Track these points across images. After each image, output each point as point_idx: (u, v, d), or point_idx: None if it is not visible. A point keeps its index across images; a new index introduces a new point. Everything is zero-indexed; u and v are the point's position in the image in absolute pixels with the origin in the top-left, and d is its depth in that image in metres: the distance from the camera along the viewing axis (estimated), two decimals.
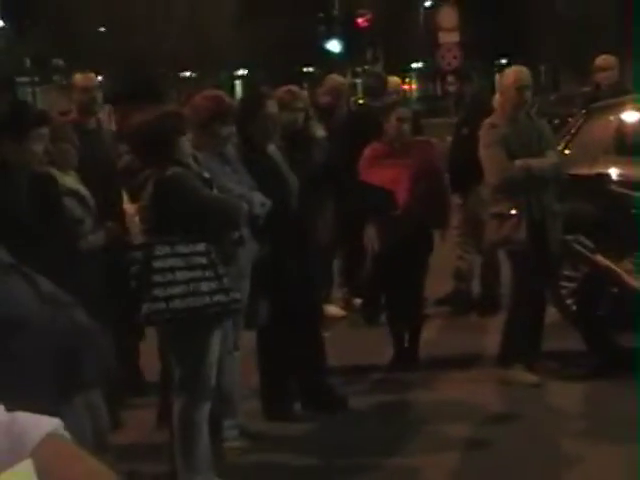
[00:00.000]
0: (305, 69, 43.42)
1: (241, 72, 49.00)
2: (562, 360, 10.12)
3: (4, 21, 48.88)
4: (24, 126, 6.12)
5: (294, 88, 10.36)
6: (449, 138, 13.53)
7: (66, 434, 2.26)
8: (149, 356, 8.87)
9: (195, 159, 7.65)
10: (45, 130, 6.35)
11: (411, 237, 10.25)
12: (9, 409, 2.24)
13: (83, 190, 7.21)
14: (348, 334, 11.12)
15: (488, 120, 10.02)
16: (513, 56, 38.75)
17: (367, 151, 10.40)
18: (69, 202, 6.84)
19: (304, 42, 47.76)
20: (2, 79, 38.03)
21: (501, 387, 9.77)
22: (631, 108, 12.31)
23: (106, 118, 10.32)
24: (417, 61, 48.92)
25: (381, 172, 10.19)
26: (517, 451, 8.30)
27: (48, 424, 2.23)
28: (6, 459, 2.07)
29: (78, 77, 10.31)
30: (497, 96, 10.61)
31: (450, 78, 38.96)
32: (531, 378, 9.73)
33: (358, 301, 12.20)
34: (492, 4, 46.80)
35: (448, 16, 37.40)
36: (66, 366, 3.79)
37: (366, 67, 34.38)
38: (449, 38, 35.99)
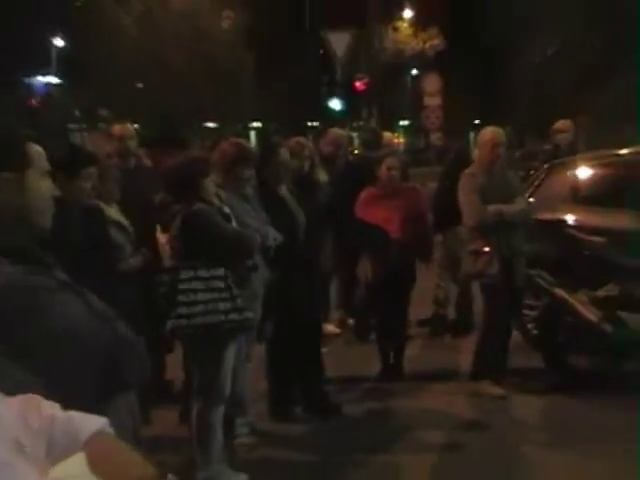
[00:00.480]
0: (310, 124, 43.52)
1: (255, 124, 49.10)
2: (524, 376, 10.10)
3: (59, 78, 49.06)
4: (76, 166, 6.12)
5: (302, 139, 10.38)
6: (430, 184, 13.49)
7: (111, 431, 2.26)
8: (177, 366, 8.87)
9: (219, 197, 7.65)
10: (93, 169, 6.37)
11: (398, 269, 10.26)
12: (65, 408, 2.23)
13: (124, 221, 7.23)
14: (342, 349, 11.13)
15: (467, 171, 10.04)
16: (483, 118, 38.80)
17: (363, 194, 10.41)
18: (112, 231, 6.86)
19: (310, 101, 47.96)
20: (57, 126, 38.15)
21: (472, 398, 9.75)
22: (585, 165, 12.36)
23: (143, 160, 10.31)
24: (405, 119, 49.07)
25: (375, 212, 10.23)
26: (485, 453, 8.30)
27: (97, 423, 2.23)
28: (63, 451, 2.07)
29: (116, 127, 10.37)
30: (476, 151, 10.60)
31: (436, 135, 39.22)
32: (498, 391, 9.72)
33: (351, 321, 12.20)
34: (470, 73, 46.96)
35: (432, 82, 37.53)
36: (110, 372, 3.78)
37: (362, 123, 34.34)
38: (432, 101, 36.10)
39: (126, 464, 2.13)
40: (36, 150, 3.95)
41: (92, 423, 2.21)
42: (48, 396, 2.24)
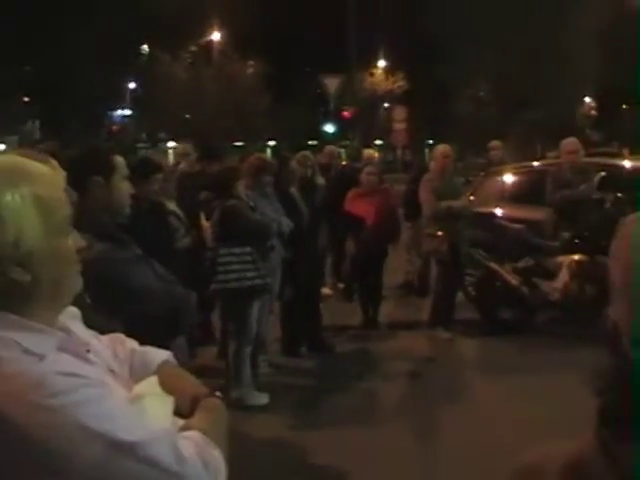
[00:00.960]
0: (310, 142, 43.46)
1: (271, 143, 48.92)
2: (465, 325, 10.09)
3: (131, 110, 49.16)
4: (148, 173, 6.14)
5: (306, 153, 10.38)
6: (397, 187, 13.42)
7: (174, 361, 2.28)
8: (214, 316, 8.92)
9: (247, 195, 7.69)
10: (160, 175, 6.38)
11: (374, 248, 10.28)
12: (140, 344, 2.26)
13: (179, 211, 7.24)
14: (334, 306, 11.09)
15: (426, 177, 10.06)
16: (436, 138, 38.65)
17: (350, 193, 10.41)
18: (171, 219, 6.86)
19: (311, 125, 47.92)
20: (130, 145, 38.36)
21: (429, 340, 9.77)
22: (510, 173, 12.41)
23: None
24: (379, 139, 48.91)
25: (359, 205, 10.24)
26: (438, 379, 8.39)
27: (165, 354, 2.25)
28: (140, 375, 2.09)
29: (180, 147, 10.41)
30: (431, 162, 10.62)
31: (403, 151, 39.31)
32: (447, 335, 9.76)
33: (341, 286, 12.19)
34: (426, 105, 46.83)
35: (399, 112, 37.31)
36: (172, 320, 3.83)
37: (348, 142, 34.27)
38: (399, 126, 35.88)
39: (187, 384, 2.16)
40: (119, 160, 3.99)
41: (161, 354, 2.23)
42: (128, 336, 2.27)
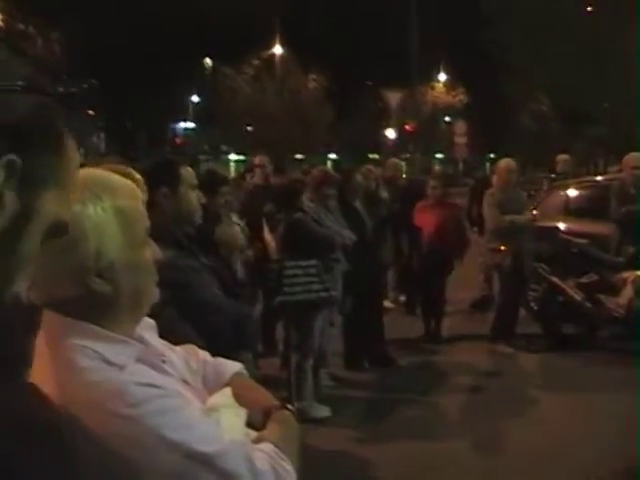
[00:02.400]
0: (371, 155, 43.46)
1: (332, 156, 49.08)
2: (528, 340, 9.97)
3: (194, 123, 49.81)
4: (216, 186, 6.17)
5: (371, 167, 10.40)
6: (458, 199, 13.27)
7: (246, 373, 2.28)
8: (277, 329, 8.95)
9: (311, 208, 7.70)
10: (227, 188, 6.42)
11: (437, 261, 10.24)
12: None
13: (242, 223, 7.26)
14: (397, 319, 11.05)
15: (489, 191, 10.01)
16: (497, 151, 38.43)
17: (417, 206, 10.45)
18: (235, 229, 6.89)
19: (372, 138, 47.92)
20: (192, 157, 38.65)
21: (490, 355, 9.68)
22: (573, 188, 12.28)
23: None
24: (440, 152, 48.77)
25: (424, 219, 10.25)
26: (499, 393, 8.31)
27: (237, 366, 2.26)
28: (212, 386, 2.10)
29: (257, 159, 10.40)
30: (494, 176, 10.54)
31: (464, 165, 39.20)
32: (508, 350, 9.67)
33: (403, 299, 12.14)
34: (487, 119, 46.65)
35: (460, 126, 37.18)
36: (236, 334, 3.84)
37: (409, 155, 34.17)
38: (460, 140, 35.75)
39: (259, 397, 2.16)
40: (187, 170, 4.04)
41: (234, 366, 2.24)
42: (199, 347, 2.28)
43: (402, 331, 10.56)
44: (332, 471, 6.16)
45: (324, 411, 7.50)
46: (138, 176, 3.03)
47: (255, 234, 7.83)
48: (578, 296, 9.65)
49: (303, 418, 7.06)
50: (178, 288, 3.50)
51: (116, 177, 1.89)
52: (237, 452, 1.75)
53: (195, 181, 4.06)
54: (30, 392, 1.32)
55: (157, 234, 1.88)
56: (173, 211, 3.87)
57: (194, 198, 4.02)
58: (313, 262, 7.30)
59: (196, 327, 3.30)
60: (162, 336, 2.06)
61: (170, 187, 3.87)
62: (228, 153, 45.82)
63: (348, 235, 8.01)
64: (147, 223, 1.89)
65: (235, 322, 3.91)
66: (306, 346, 7.45)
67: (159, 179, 3.86)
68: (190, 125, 51.73)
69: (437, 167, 14.17)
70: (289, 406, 2.15)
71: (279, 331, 8.86)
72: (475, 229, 12.51)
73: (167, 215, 3.81)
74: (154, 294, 1.92)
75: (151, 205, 3.62)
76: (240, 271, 6.50)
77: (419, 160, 25.06)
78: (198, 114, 48.30)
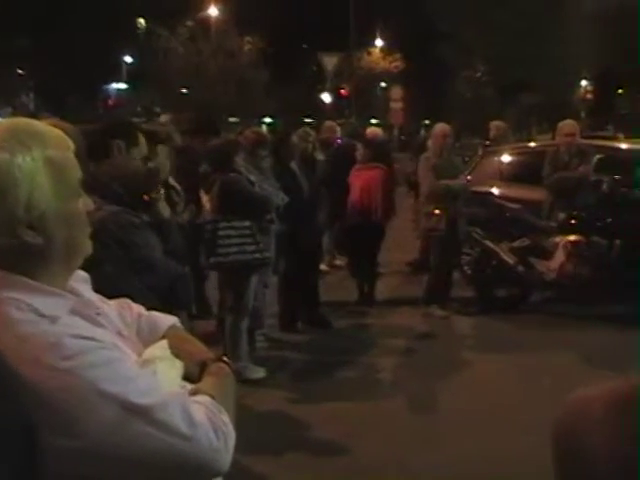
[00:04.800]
0: (307, 119, 43.29)
1: (267, 120, 48.81)
2: (461, 303, 10.09)
3: (127, 84, 49.18)
4: (156, 146, 6.10)
5: (307, 129, 10.33)
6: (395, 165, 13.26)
7: (181, 326, 2.27)
8: (210, 290, 8.90)
9: (246, 168, 7.65)
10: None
11: (361, 224, 10.27)
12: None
13: (177, 186, 7.18)
14: (332, 282, 11.10)
15: (424, 155, 10.05)
16: (432, 118, 38.62)
17: (353, 169, 10.43)
18: (171, 192, 6.82)
19: (308, 102, 47.78)
20: (125, 119, 38.20)
21: (424, 317, 9.75)
22: (507, 153, 12.38)
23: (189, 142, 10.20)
24: (375, 118, 48.76)
25: (355, 180, 10.25)
26: (433, 356, 8.39)
27: (172, 319, 2.25)
28: (147, 338, 2.09)
29: (162, 117, 10.35)
30: (430, 141, 10.56)
31: (399, 130, 39.41)
32: (442, 313, 9.76)
33: (338, 262, 12.17)
34: (423, 85, 46.85)
35: (395, 92, 37.28)
36: (171, 296, 3.83)
37: (344, 120, 34.16)
38: (396, 105, 35.87)
39: (195, 349, 2.15)
40: (143, 139, 4.03)
41: (169, 319, 2.23)
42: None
43: (338, 294, 10.61)
44: (267, 431, 6.18)
45: (259, 372, 7.51)
46: (69, 128, 2.99)
47: (191, 195, 7.76)
48: (511, 260, 9.76)
49: (238, 379, 7.09)
50: (120, 245, 3.48)
51: (46, 127, 1.84)
52: (174, 404, 1.73)
53: (146, 150, 4.06)
54: None
55: (99, 189, 1.87)
56: (122, 168, 3.84)
57: (141, 166, 4.01)
58: (247, 223, 7.26)
59: (132, 285, 3.27)
60: (98, 291, 2.03)
61: (126, 143, 3.86)
62: (160, 115, 45.35)
63: (280, 196, 7.97)
64: (79, 174, 1.85)
65: (171, 282, 3.90)
66: (241, 307, 7.43)
67: (116, 133, 3.86)
68: (123, 86, 51.05)
69: (376, 130, 14.10)
70: (224, 358, 2.14)
71: (211, 293, 8.84)
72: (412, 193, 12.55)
73: (115, 170, 3.79)
74: (87, 246, 1.88)
75: (101, 160, 3.62)
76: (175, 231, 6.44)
77: (353, 125, 25.02)
78: (131, 75, 47.63)
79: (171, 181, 7.05)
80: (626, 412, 1.29)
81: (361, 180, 10.19)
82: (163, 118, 10.63)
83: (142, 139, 4.01)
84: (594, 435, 1.33)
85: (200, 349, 2.17)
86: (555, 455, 1.45)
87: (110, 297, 2.09)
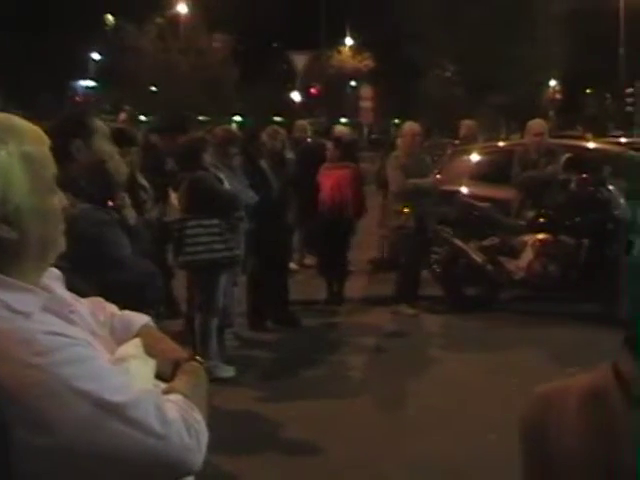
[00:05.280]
0: (276, 118, 43.23)
1: (237, 118, 48.70)
2: (430, 301, 10.13)
3: (95, 82, 48.90)
4: (123, 145, 6.09)
5: (277, 127, 10.30)
6: (362, 164, 13.19)
7: (154, 325, 2.27)
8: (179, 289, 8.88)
9: (215, 166, 7.64)
10: (135, 148, 6.34)
11: (334, 222, 10.26)
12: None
13: (146, 183, 7.15)
14: (301, 281, 11.10)
15: (393, 154, 10.12)
16: (402, 117, 38.71)
17: (322, 168, 10.42)
18: (139, 191, 6.79)
19: (278, 101, 47.73)
20: (80, 114, 38.01)
21: (394, 315, 9.80)
22: (477, 152, 12.45)
23: (157, 141, 10.15)
24: (345, 117, 48.78)
25: (325, 179, 10.25)
26: (402, 353, 8.44)
27: (145, 318, 2.24)
28: (121, 336, 2.08)
29: (122, 115, 10.32)
30: (399, 140, 10.59)
31: (369, 129, 39.46)
32: (411, 311, 9.80)
33: (308, 261, 12.18)
34: (392, 85, 46.88)
35: (365, 91, 37.36)
36: (140, 293, 3.82)
37: (314, 119, 34.13)
38: (366, 104, 35.93)
39: (168, 348, 2.15)
40: (98, 122, 3.98)
41: (142, 318, 2.22)
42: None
43: (307, 293, 10.62)
44: (237, 430, 6.18)
45: (229, 371, 7.51)
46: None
47: (159, 193, 7.73)
48: (480, 258, 9.82)
49: (208, 378, 7.10)
50: (91, 242, 3.46)
51: (22, 121, 1.83)
52: (147, 402, 1.73)
53: (108, 132, 4.01)
54: None
55: (70, 187, 1.86)
56: (83, 166, 3.81)
57: (109, 149, 3.97)
58: (216, 221, 7.24)
59: (102, 282, 3.26)
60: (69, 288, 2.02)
61: (83, 139, 3.81)
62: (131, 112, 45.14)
63: (250, 194, 7.97)
64: (55, 169, 1.85)
65: (141, 280, 3.88)
66: (211, 306, 7.42)
67: (71, 131, 3.80)
68: (91, 83, 50.74)
69: (344, 130, 14.05)
70: (197, 357, 2.14)
71: (179, 292, 8.84)
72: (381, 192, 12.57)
73: (80, 168, 3.75)
74: (61, 243, 1.87)
75: (65, 160, 3.58)
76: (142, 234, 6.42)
77: (323, 124, 25.06)
78: (100, 72, 47.35)
79: (139, 179, 7.04)
80: (595, 404, 1.33)
81: (331, 179, 10.20)
82: (122, 116, 10.52)
83: (97, 123, 3.97)
84: (562, 426, 1.36)
85: (173, 348, 2.17)
86: (522, 448, 1.48)
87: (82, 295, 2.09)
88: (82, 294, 2.10)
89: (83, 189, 3.67)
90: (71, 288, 2.03)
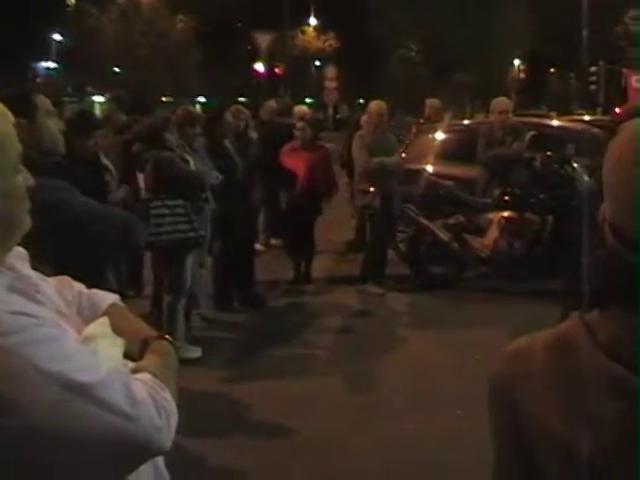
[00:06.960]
0: (240, 98, 43.04)
1: (200, 99, 48.47)
2: (396, 280, 10.17)
3: (56, 63, 48.36)
4: (88, 128, 6.05)
5: (240, 107, 10.21)
6: (327, 144, 13.14)
7: (122, 304, 2.25)
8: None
9: (181, 147, 7.61)
10: (101, 131, 6.32)
11: (305, 203, 10.24)
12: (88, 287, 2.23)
13: (110, 165, 7.09)
14: (267, 261, 11.08)
15: (358, 133, 10.10)
16: (367, 97, 38.67)
17: (285, 148, 10.36)
18: (103, 172, 6.75)
19: (241, 82, 47.50)
20: (55, 100, 37.62)
21: (360, 294, 9.83)
22: (442, 131, 12.48)
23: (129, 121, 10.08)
24: (310, 97, 48.70)
25: (292, 161, 10.21)
26: (368, 332, 8.48)
27: (112, 296, 2.23)
28: (88, 315, 2.06)
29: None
30: (364, 118, 10.60)
31: (334, 109, 39.37)
32: (378, 290, 9.83)
33: (274, 241, 12.15)
34: (358, 64, 46.83)
35: (330, 71, 37.33)
36: (126, 237, 3.83)
37: (278, 99, 34.04)
38: (330, 84, 35.91)
39: (136, 327, 2.13)
40: (41, 98, 3.94)
41: (109, 296, 2.21)
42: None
43: (273, 273, 10.62)
44: (204, 411, 6.16)
45: (195, 352, 7.50)
46: None
47: (124, 174, 7.68)
48: (445, 237, 9.87)
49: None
50: (55, 207, 3.43)
51: None
52: (116, 381, 1.71)
53: (52, 108, 3.98)
54: None
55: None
56: (33, 141, 3.76)
57: (53, 125, 3.93)
58: (180, 202, 7.21)
59: (81, 238, 3.23)
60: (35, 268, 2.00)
61: (26, 117, 3.76)
62: (93, 95, 44.69)
63: (214, 175, 7.94)
64: (19, 148, 1.82)
65: (122, 226, 3.88)
66: (177, 287, 7.39)
67: (13, 110, 3.75)
68: (52, 65, 50.20)
69: (305, 109, 13.91)
70: (167, 336, 2.12)
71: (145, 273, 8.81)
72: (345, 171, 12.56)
73: (28, 146, 3.71)
74: (26, 222, 1.85)
75: None
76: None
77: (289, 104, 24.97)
78: (61, 54, 46.85)
79: (103, 160, 6.99)
80: (563, 350, 1.36)
81: (306, 160, 10.13)
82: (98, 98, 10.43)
83: (40, 99, 3.94)
84: (531, 375, 1.40)
85: (141, 327, 2.15)
86: (492, 405, 1.48)
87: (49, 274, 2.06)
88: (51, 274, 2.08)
89: (38, 167, 3.65)
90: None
